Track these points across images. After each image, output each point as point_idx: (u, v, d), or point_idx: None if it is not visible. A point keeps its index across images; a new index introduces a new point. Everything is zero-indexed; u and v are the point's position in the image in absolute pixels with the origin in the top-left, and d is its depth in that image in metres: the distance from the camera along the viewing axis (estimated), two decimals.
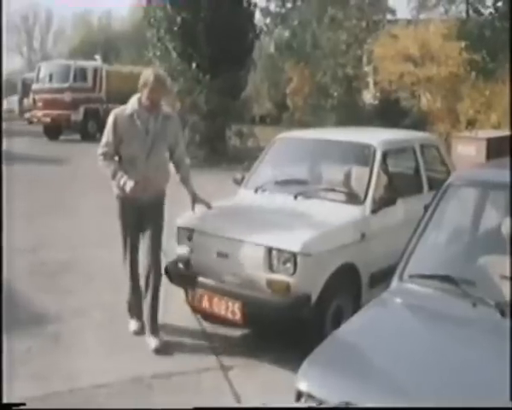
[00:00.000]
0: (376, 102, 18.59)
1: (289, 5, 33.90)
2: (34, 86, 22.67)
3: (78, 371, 4.19)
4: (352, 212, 4.63)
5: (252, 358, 4.40)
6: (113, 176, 4.51)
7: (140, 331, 4.74)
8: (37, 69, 23.06)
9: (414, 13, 25.90)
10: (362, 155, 5.08)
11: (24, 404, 2.69)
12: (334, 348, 2.59)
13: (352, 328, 2.73)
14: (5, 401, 3.09)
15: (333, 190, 4.85)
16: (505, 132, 11.17)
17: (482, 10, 18.84)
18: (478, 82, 13.75)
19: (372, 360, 2.49)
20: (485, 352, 2.40)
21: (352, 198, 4.79)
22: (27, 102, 26.84)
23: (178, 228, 4.82)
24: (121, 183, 4.45)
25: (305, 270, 4.07)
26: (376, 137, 5.23)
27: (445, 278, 2.66)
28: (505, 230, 3.60)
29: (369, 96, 21.71)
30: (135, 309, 4.84)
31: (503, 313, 2.48)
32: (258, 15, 27.04)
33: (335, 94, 21.07)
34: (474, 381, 2.22)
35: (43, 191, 10.85)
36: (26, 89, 28.30)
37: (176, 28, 15.15)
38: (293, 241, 4.13)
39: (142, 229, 4.65)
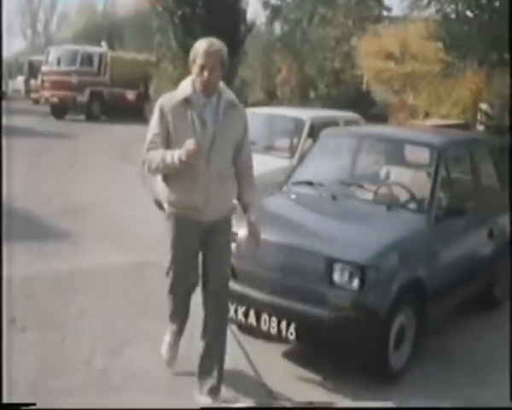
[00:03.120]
0: (350, 92, 20.57)
1: None
2: (43, 68, 24.25)
3: (91, 260, 6.27)
4: (284, 163, 6.73)
5: None
6: (162, 159, 3.41)
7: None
8: (47, 53, 24.81)
9: (407, 11, 27.32)
10: (297, 125, 7.18)
11: (25, 404, 2.70)
12: None
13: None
14: (5, 400, 3.03)
15: (270, 148, 6.97)
16: (449, 121, 13.21)
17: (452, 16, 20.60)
18: (435, 79, 15.72)
19: (269, 214, 4.63)
20: (322, 213, 4.64)
21: (286, 153, 6.89)
22: (34, 83, 28.77)
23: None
24: (175, 158, 3.34)
25: None
26: (308, 114, 7.34)
27: (307, 182, 4.81)
28: (383, 174, 5.68)
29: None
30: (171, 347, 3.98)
31: (334, 198, 4.63)
32: (259, 7, 29.02)
33: (322, 86, 23.15)
34: (316, 225, 4.36)
35: (57, 158, 12.92)
36: (32, 71, 29.96)
37: (177, 21, 17.16)
38: None
39: (200, 258, 3.71)
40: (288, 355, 4.41)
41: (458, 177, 5.30)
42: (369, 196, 4.80)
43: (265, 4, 35.42)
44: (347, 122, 7.69)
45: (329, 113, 8.28)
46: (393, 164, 5.73)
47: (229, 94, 3.61)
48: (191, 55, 3.48)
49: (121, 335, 4.58)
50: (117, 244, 6.81)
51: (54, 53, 24.44)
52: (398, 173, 5.51)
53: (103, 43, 26.90)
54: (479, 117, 14.01)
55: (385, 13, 30.38)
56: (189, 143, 3.29)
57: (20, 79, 34.55)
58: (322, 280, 3.86)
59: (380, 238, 4.02)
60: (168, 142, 3.48)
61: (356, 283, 3.76)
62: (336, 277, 3.81)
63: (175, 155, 3.35)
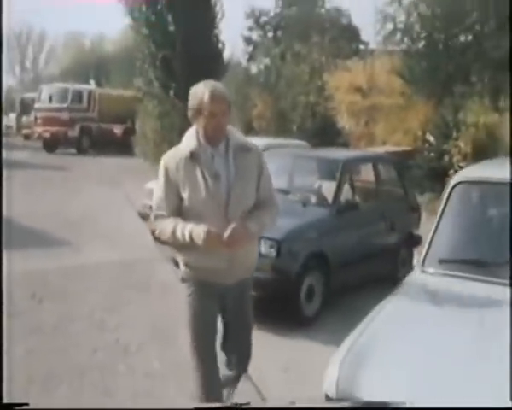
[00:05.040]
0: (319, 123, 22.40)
1: (270, 34, 37.94)
2: (36, 105, 26.07)
3: (89, 256, 7.96)
4: None
5: None
6: (173, 233, 3.11)
7: None
8: (39, 91, 26.58)
9: (381, 46, 29.06)
10: None
11: (25, 404, 2.68)
12: None
13: None
14: (5, 401, 3.09)
15: None
16: (397, 148, 15.02)
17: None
18: (391, 110, 17.67)
19: None
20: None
21: None
22: (25, 119, 30.49)
23: None
24: (186, 236, 3.06)
25: None
26: (261, 142, 9.03)
27: None
28: (317, 186, 7.41)
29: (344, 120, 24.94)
30: None
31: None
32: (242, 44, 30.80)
33: (297, 119, 25.00)
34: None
35: (54, 185, 14.65)
36: (24, 107, 31.70)
37: (158, 63, 18.95)
38: None
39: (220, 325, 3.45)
40: None
41: (364, 184, 7.11)
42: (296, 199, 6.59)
43: (247, 40, 37.51)
44: (297, 147, 9.44)
45: (281, 141, 10.07)
46: (326, 179, 7.49)
47: (238, 137, 3.28)
48: (193, 104, 3.15)
49: (113, 301, 6.29)
50: (108, 247, 8.51)
51: (46, 91, 26.19)
52: (327, 185, 7.28)
53: (92, 81, 28.83)
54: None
55: (361, 46, 32.61)
56: (209, 232, 2.98)
57: (12, 115, 36.12)
58: None
59: (293, 223, 5.83)
60: (179, 204, 3.16)
61: (274, 252, 5.52)
62: (262, 248, 5.54)
63: (186, 232, 3.05)
